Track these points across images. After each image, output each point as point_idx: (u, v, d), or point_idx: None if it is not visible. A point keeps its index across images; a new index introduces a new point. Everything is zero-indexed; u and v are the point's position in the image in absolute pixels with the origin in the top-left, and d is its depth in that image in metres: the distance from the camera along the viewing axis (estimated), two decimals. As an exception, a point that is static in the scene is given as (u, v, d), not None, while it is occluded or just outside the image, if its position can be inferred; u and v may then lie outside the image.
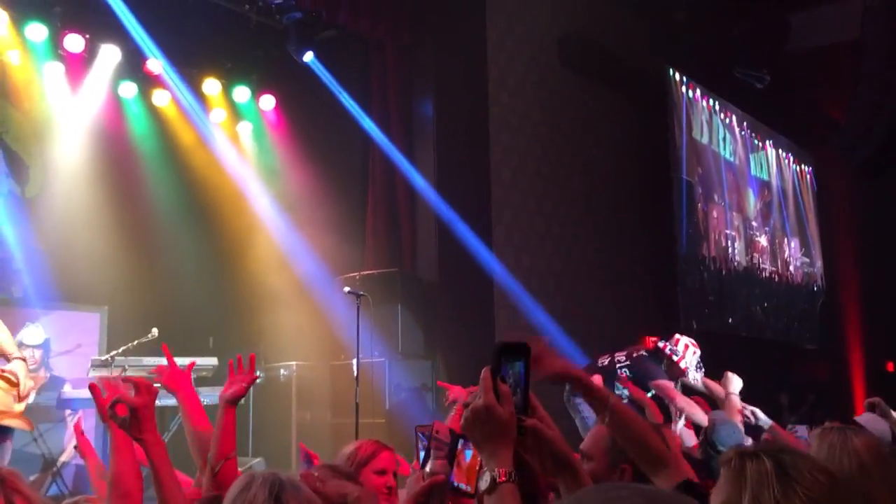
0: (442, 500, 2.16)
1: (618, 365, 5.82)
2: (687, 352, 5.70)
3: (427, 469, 2.12)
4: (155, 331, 6.72)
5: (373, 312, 6.71)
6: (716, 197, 11.87)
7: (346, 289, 6.36)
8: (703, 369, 5.81)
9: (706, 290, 11.36)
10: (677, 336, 5.86)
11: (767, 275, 13.21)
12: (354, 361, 6.23)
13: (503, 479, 1.42)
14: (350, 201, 8.30)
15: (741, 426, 4.33)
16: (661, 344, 5.79)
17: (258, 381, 5.44)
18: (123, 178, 7.89)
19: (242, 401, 2.44)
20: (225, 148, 8.45)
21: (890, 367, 16.61)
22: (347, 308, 6.71)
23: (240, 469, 3.15)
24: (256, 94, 8.45)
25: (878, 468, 2.21)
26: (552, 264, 9.52)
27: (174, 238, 8.03)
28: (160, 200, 8.08)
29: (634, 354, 5.87)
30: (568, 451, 1.57)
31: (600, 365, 5.89)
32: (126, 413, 2.17)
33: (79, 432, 3.07)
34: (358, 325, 6.23)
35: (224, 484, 2.52)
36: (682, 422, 5.15)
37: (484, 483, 1.44)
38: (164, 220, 8.05)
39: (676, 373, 5.70)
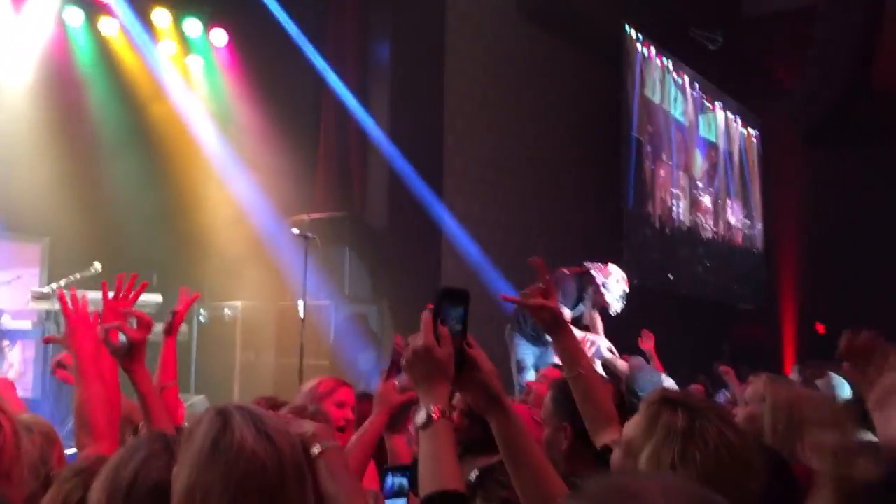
0: (406, 412, 2.25)
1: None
2: (617, 287, 5.77)
3: (398, 383, 2.20)
4: (97, 265, 6.64)
5: (320, 255, 6.72)
6: (664, 156, 12.05)
7: (295, 230, 6.35)
8: (625, 303, 5.89)
9: (649, 246, 11.59)
10: (610, 268, 5.84)
11: (709, 235, 13.51)
12: (301, 303, 6.24)
13: (437, 416, 1.48)
14: (301, 142, 8.21)
15: (658, 372, 4.46)
16: (593, 272, 5.81)
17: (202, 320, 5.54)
18: (68, 107, 7.67)
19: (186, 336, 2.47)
20: (174, 81, 8.26)
21: (820, 328, 17.26)
22: (295, 249, 6.70)
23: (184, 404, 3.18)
24: (208, 27, 8.26)
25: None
26: (501, 215, 9.61)
27: (120, 172, 7.86)
28: (106, 132, 7.89)
29: (557, 272, 5.83)
30: (500, 389, 1.62)
31: None
32: (116, 341, 2.20)
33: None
34: (305, 268, 6.24)
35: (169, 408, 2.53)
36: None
37: (419, 419, 1.49)
38: (109, 153, 7.88)
39: (600, 302, 5.77)
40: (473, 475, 1.79)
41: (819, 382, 5.43)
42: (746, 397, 2.51)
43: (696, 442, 1.41)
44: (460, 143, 8.97)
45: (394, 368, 2.25)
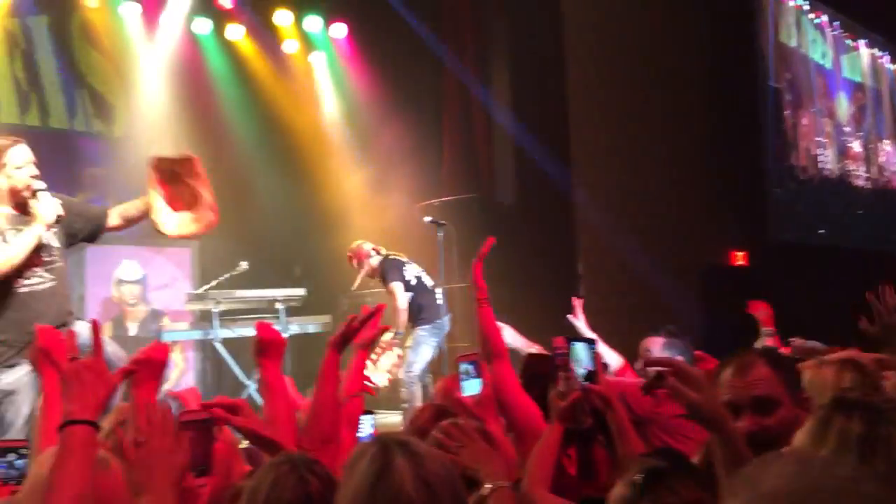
0: (582, 409, 2.17)
1: None
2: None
3: (560, 388, 2.14)
4: (244, 264, 6.92)
5: (454, 239, 6.75)
6: (805, 103, 11.38)
7: (427, 218, 6.38)
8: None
9: (795, 200, 11.03)
10: None
11: (862, 182, 12.68)
12: (440, 289, 6.29)
13: None
14: (425, 126, 8.23)
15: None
16: None
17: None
18: (203, 113, 8.01)
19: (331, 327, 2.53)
20: (299, 79, 8.49)
21: None
22: (426, 233, 6.74)
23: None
24: (328, 22, 8.41)
25: None
26: (634, 181, 9.31)
27: (255, 172, 8.16)
28: (239, 133, 8.20)
29: None
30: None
31: None
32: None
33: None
34: (441, 253, 6.27)
35: (350, 418, 2.55)
36: None
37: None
38: (243, 154, 8.18)
39: None
40: (638, 476, 1.60)
41: None
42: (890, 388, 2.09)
43: (877, 450, 1.21)
44: (586, 112, 8.74)
45: (557, 371, 2.19)
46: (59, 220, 3.48)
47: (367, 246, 6.50)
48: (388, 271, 6.25)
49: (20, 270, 3.39)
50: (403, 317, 6.14)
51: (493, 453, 1.86)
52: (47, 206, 3.43)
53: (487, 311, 2.85)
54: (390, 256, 6.36)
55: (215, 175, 7.66)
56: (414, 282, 6.25)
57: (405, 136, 7.95)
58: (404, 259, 6.39)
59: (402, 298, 6.08)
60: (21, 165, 3.45)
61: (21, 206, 3.50)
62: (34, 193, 3.45)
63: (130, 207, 3.83)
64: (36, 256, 3.45)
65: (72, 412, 1.59)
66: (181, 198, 3.74)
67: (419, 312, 6.24)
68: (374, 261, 6.37)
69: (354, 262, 6.52)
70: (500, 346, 2.78)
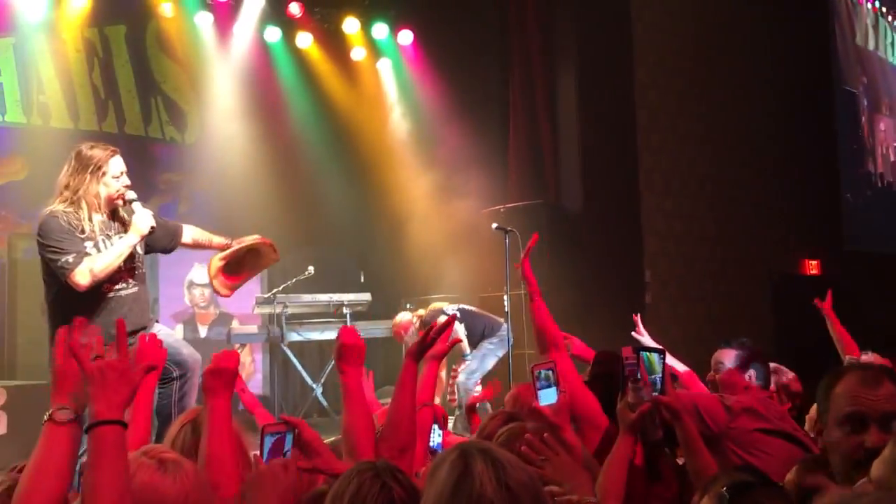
0: (653, 421, 2.13)
1: None
2: None
3: (629, 399, 2.11)
4: (311, 269, 7.02)
5: (520, 245, 6.71)
6: (883, 108, 11.03)
7: (494, 225, 6.37)
8: None
9: (871, 207, 10.68)
10: None
11: (943, 188, 12.23)
12: (505, 297, 6.28)
13: None
14: (491, 132, 8.22)
15: None
16: None
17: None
18: (272, 119, 8.16)
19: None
20: (366, 85, 8.58)
21: None
22: (492, 240, 6.73)
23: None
24: (394, 29, 8.47)
25: None
26: (702, 187, 9.16)
27: (322, 176, 8.26)
28: (307, 139, 8.32)
29: None
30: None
31: None
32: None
33: (240, 390, 3.20)
34: (507, 259, 6.24)
35: (420, 428, 2.52)
36: None
37: None
38: (311, 159, 8.30)
39: None
40: (724, 490, 1.59)
41: None
42: None
43: None
44: (655, 117, 8.62)
45: (626, 383, 2.15)
46: (152, 231, 3.59)
47: (406, 316, 6.64)
48: (429, 322, 6.35)
49: (111, 276, 3.52)
50: (464, 343, 6.22)
51: (577, 467, 1.85)
52: (143, 218, 3.56)
53: (541, 305, 2.85)
54: (426, 310, 6.49)
55: (283, 180, 7.88)
56: (458, 314, 6.31)
57: (471, 142, 7.95)
58: (441, 304, 6.54)
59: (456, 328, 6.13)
60: (118, 175, 3.60)
61: (112, 214, 3.65)
62: (126, 202, 3.60)
63: (204, 237, 4.07)
64: (125, 264, 3.58)
65: (98, 413, 1.56)
66: (236, 262, 4.05)
67: (481, 334, 6.35)
68: (417, 325, 6.49)
69: (403, 334, 6.59)
70: (556, 338, 2.78)
